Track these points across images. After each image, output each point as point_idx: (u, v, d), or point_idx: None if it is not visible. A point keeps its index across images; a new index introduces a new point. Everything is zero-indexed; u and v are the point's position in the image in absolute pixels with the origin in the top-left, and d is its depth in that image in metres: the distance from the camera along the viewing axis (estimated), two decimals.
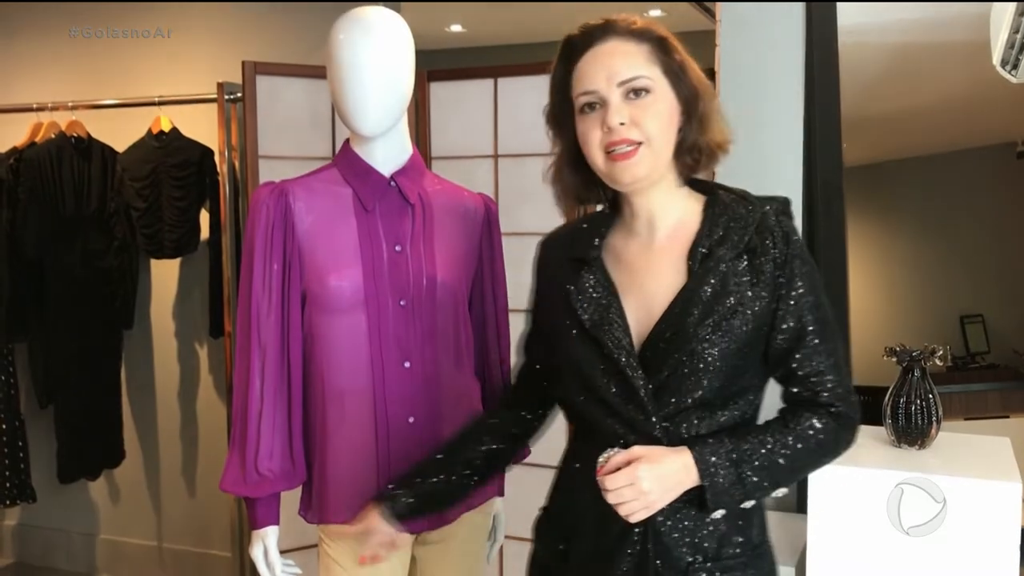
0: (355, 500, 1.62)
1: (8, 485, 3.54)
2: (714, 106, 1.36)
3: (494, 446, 1.54)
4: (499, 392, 1.86)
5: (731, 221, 1.32)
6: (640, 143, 1.29)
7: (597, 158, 1.31)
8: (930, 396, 1.89)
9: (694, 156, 1.35)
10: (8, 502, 3.57)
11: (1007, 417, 2.88)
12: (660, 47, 1.32)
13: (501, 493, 1.92)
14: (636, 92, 1.29)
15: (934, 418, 1.90)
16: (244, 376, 1.69)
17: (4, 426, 3.53)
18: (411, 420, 1.70)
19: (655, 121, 1.29)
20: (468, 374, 1.81)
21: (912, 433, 1.91)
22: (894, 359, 1.94)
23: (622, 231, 1.40)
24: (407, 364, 1.70)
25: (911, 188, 3.14)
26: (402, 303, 1.70)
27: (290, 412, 1.71)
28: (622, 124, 1.28)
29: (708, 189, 1.40)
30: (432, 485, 1.52)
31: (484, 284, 1.86)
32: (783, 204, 1.36)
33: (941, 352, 1.92)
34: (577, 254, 1.39)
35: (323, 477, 1.72)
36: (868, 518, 1.79)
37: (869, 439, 2.01)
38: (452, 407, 1.75)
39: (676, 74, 1.32)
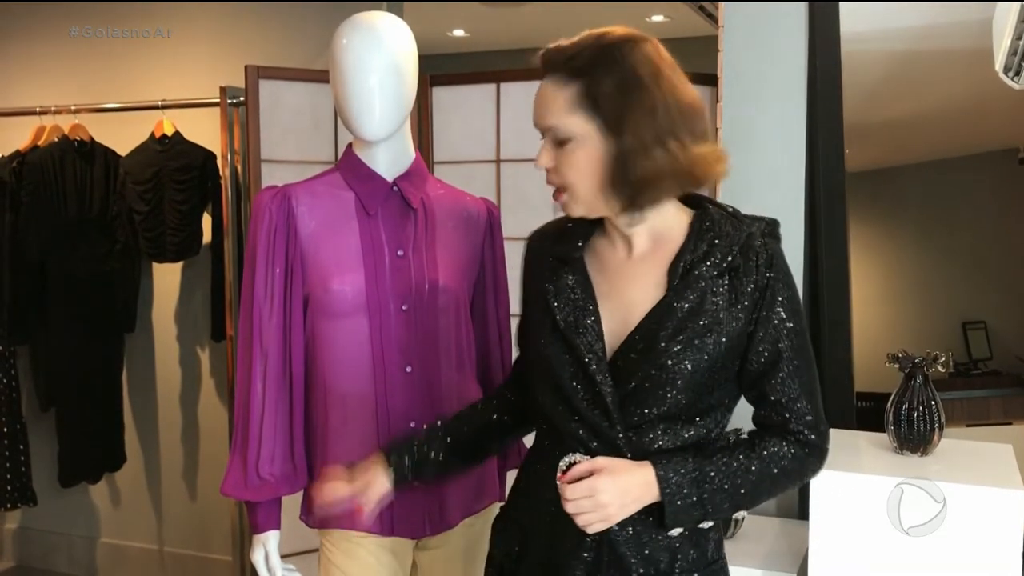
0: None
1: (9, 488, 3.53)
2: (693, 127, 1.26)
3: (497, 418, 1.54)
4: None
5: (717, 238, 1.30)
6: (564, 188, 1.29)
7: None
8: (932, 403, 1.89)
9: (626, 193, 1.27)
10: (9, 505, 3.57)
11: (1010, 424, 2.87)
12: (592, 84, 1.24)
13: (502, 499, 1.91)
14: (558, 140, 1.28)
15: (936, 425, 1.89)
16: (246, 380, 1.69)
17: (5, 429, 3.53)
18: (412, 425, 1.70)
19: (572, 170, 1.28)
20: (470, 379, 1.81)
21: (914, 440, 1.90)
22: (896, 365, 1.94)
23: (606, 237, 1.39)
24: (409, 369, 1.70)
25: (913, 194, 3.13)
26: (404, 308, 1.70)
27: (292, 416, 1.71)
28: (548, 169, 1.29)
29: (698, 203, 1.37)
30: (433, 453, 1.50)
31: (486, 289, 1.85)
32: (771, 225, 1.34)
33: (943, 358, 1.91)
34: (560, 252, 1.39)
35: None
36: (870, 524, 1.78)
37: (871, 445, 2.01)
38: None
39: (608, 115, 1.23)
